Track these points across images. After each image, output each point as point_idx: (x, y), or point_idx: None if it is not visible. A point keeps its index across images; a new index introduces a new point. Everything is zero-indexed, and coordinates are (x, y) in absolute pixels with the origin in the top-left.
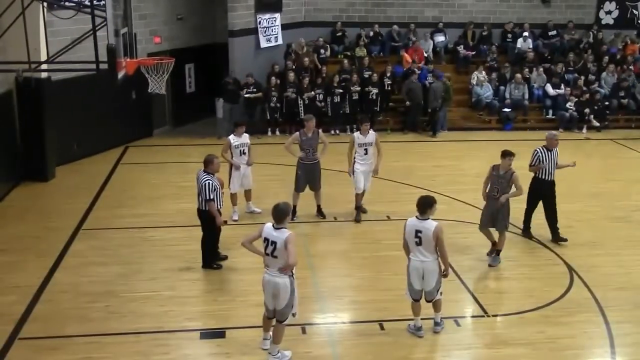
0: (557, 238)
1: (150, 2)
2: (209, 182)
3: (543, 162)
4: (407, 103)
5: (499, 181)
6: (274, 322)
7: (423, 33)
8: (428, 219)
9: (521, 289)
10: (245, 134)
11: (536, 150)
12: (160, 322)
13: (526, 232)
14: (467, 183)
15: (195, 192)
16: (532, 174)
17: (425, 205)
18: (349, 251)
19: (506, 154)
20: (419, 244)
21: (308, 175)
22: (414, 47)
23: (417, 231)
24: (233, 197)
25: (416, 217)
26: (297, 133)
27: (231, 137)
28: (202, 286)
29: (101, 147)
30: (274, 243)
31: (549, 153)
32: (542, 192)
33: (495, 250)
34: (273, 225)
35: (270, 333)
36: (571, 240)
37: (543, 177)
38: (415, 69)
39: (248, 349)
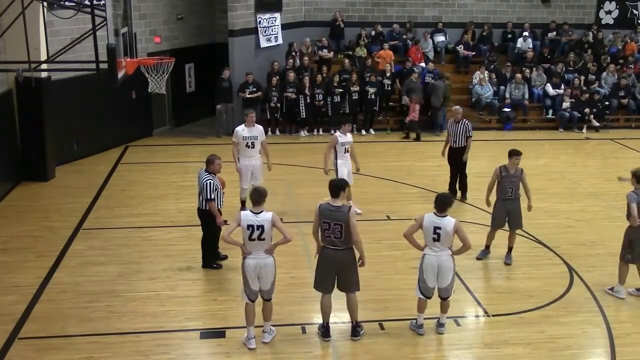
0: (463, 198)
1: (150, 2)
2: (210, 182)
3: (450, 133)
4: (407, 99)
5: (511, 180)
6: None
7: (422, 33)
8: (446, 215)
9: (521, 289)
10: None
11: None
12: (160, 322)
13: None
14: (468, 183)
15: (196, 192)
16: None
17: (445, 204)
18: None
19: (514, 153)
20: (436, 240)
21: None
22: (415, 47)
23: (436, 227)
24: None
25: (434, 213)
26: None
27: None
28: (202, 286)
29: (101, 147)
30: (260, 227)
31: (456, 126)
32: (454, 157)
33: (489, 250)
34: (251, 211)
35: (253, 329)
36: (571, 240)
37: (454, 145)
38: (415, 69)
39: (248, 349)
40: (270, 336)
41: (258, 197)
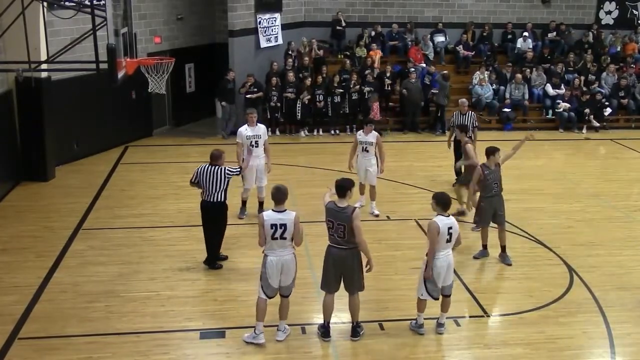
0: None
1: (150, 2)
2: (229, 170)
3: (454, 124)
4: (404, 92)
5: (495, 176)
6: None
7: (422, 35)
8: (449, 215)
9: (521, 289)
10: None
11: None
12: (160, 322)
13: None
14: None
15: (207, 187)
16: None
17: (450, 201)
18: None
19: (494, 151)
20: (449, 240)
21: None
22: (416, 47)
23: (449, 228)
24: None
25: (441, 215)
26: None
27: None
28: (202, 286)
29: (101, 147)
30: (283, 225)
31: (462, 117)
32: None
33: (486, 249)
34: (273, 210)
35: (262, 325)
36: (571, 240)
37: (457, 138)
38: (411, 69)
39: (248, 349)
40: (284, 334)
41: (280, 195)
